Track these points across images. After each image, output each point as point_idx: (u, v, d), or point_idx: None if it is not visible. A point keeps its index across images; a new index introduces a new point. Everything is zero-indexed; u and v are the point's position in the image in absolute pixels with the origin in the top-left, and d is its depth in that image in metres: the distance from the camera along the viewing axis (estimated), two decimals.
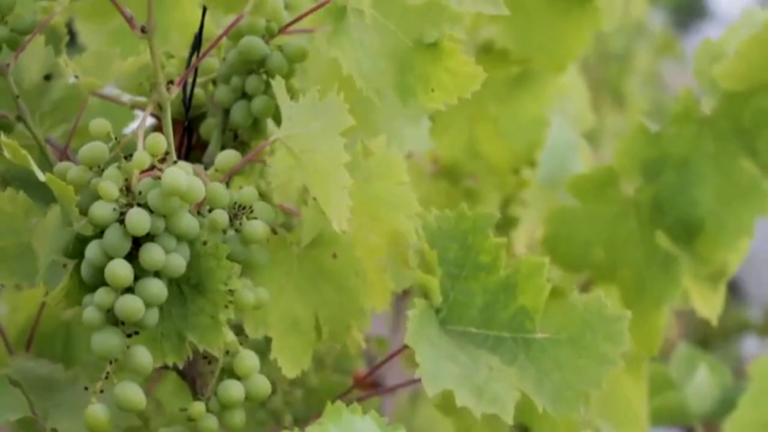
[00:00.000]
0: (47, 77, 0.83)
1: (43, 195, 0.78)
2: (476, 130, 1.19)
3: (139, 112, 0.92)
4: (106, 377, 0.70)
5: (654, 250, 1.05)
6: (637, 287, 1.06)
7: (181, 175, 0.68)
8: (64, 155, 0.83)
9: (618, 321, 0.78)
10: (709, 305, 1.08)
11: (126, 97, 0.89)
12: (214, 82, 0.88)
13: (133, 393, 0.70)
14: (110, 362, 0.70)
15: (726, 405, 1.47)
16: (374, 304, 0.85)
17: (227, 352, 0.76)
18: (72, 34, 0.88)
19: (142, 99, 0.88)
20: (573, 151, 1.21)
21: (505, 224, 1.23)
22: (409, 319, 0.75)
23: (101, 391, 0.70)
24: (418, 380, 0.96)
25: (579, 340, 0.78)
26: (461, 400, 0.72)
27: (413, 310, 0.76)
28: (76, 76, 0.82)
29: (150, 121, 0.79)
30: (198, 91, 0.86)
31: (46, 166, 0.78)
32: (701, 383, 1.57)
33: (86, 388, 0.75)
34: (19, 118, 0.80)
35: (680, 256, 1.03)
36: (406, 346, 0.76)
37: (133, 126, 0.95)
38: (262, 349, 0.84)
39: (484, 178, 1.19)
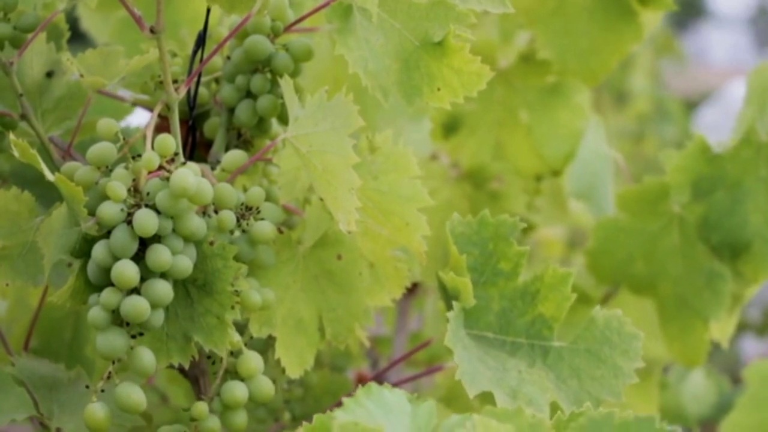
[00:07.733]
0: (49, 74, 0.82)
1: (43, 193, 0.78)
2: (504, 136, 1.17)
3: (140, 109, 0.91)
4: (109, 377, 0.70)
5: (696, 265, 1.05)
6: (677, 301, 1.06)
7: (189, 176, 0.68)
8: (68, 153, 0.82)
9: (635, 339, 0.79)
10: (722, 329, 1.08)
11: (123, 93, 0.88)
12: (217, 81, 0.87)
13: (134, 394, 0.70)
14: (113, 362, 0.69)
15: (724, 408, 1.47)
16: (387, 297, 0.85)
17: (231, 353, 0.75)
18: (74, 28, 0.87)
19: (144, 97, 0.87)
20: (605, 164, 1.20)
21: (524, 229, 1.22)
22: (448, 321, 0.75)
23: (102, 391, 0.70)
24: (419, 377, 0.96)
25: (597, 353, 0.79)
26: (500, 401, 0.73)
27: (451, 313, 0.75)
28: (81, 75, 0.81)
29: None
30: (201, 89, 0.86)
31: (49, 164, 0.78)
32: (696, 386, 1.58)
33: (88, 387, 0.75)
34: (23, 116, 0.80)
35: (726, 273, 1.03)
36: (412, 351, 0.75)
37: (129, 121, 0.95)
38: (260, 348, 0.84)
39: (510, 180, 1.18)
